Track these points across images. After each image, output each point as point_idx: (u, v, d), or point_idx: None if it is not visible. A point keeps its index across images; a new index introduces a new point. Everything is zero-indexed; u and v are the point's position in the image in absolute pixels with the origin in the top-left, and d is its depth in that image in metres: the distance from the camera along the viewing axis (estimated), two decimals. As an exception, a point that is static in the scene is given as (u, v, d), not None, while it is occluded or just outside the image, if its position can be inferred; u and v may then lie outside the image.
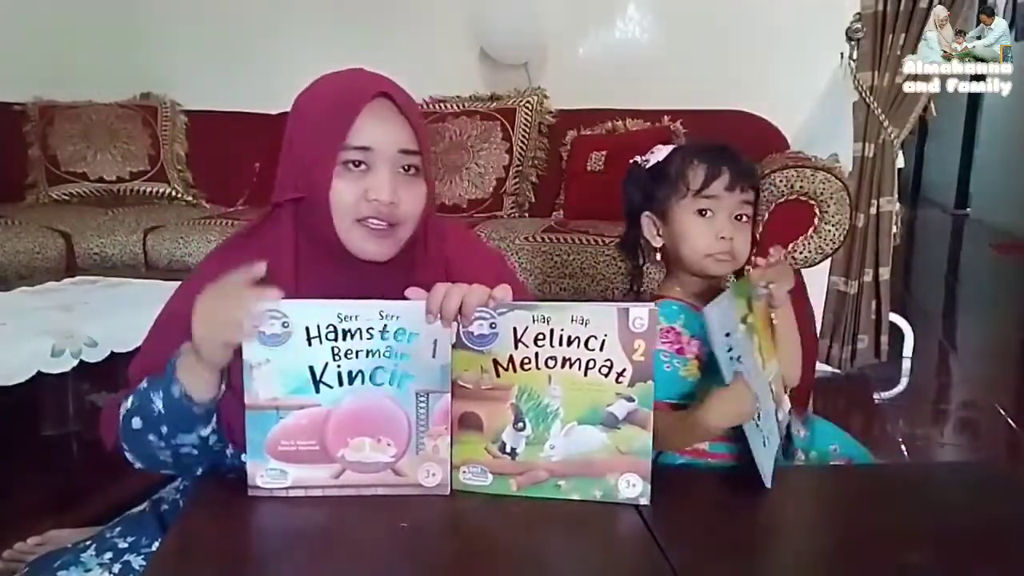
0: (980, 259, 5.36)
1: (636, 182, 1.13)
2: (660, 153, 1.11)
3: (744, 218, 1.08)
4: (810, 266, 2.12)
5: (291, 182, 0.96)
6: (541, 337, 0.85)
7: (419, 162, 0.96)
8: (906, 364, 2.56)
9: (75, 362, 1.49)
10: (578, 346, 0.85)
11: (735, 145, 1.10)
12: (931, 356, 3.03)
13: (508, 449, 0.87)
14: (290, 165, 0.98)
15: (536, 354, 0.85)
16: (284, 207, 0.97)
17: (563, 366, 0.85)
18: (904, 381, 2.50)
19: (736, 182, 1.05)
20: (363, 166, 0.93)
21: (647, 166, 1.12)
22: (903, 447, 2.15)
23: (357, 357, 0.84)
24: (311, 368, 0.84)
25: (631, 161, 1.15)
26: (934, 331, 3.39)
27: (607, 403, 0.85)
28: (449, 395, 0.86)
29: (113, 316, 1.66)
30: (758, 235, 1.15)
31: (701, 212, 1.06)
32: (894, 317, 2.62)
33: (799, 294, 2.19)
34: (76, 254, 2.67)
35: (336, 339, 0.83)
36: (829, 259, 2.22)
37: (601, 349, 0.84)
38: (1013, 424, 2.30)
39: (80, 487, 1.59)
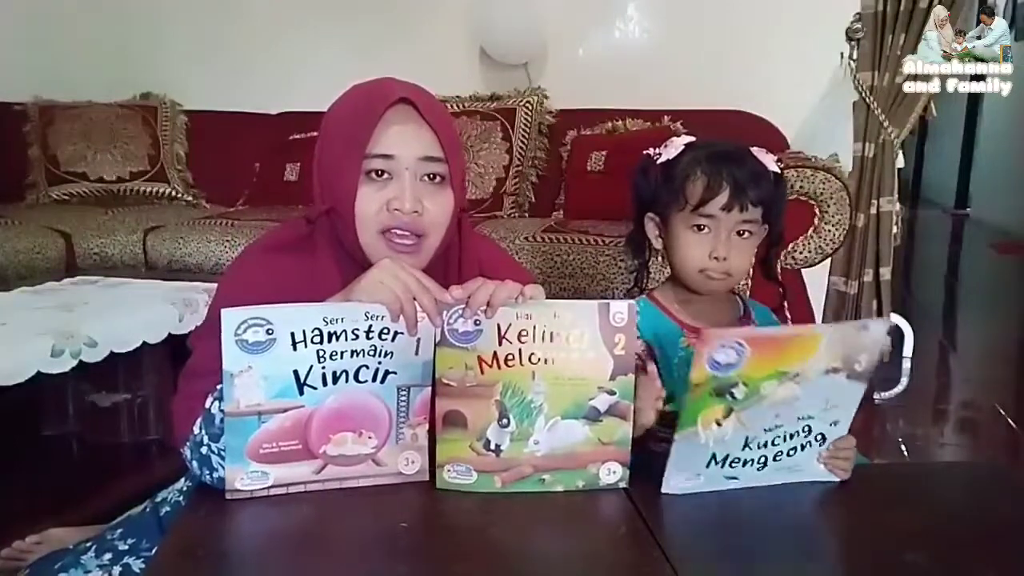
0: (980, 259, 5.35)
1: (644, 178, 1.09)
2: (672, 149, 1.07)
3: (746, 234, 1.03)
4: (810, 266, 2.12)
5: (320, 195, 0.96)
6: (524, 333, 0.85)
7: (444, 170, 0.94)
8: (906, 364, 2.55)
9: (75, 362, 1.49)
10: (561, 342, 0.85)
11: (745, 149, 1.05)
12: (931, 356, 3.03)
13: (493, 446, 0.87)
14: (319, 178, 0.97)
15: (520, 350, 0.86)
16: (322, 221, 0.96)
17: (546, 362, 0.86)
18: (904, 381, 2.50)
19: (735, 201, 0.99)
20: (386, 175, 0.92)
21: (659, 160, 1.07)
22: (903, 447, 2.15)
23: (342, 358, 0.84)
24: (295, 372, 0.83)
25: (644, 152, 1.10)
26: (934, 331, 3.38)
27: (589, 397, 0.87)
28: (430, 388, 0.87)
29: (113, 316, 1.65)
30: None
31: (698, 227, 1.02)
32: (895, 317, 2.61)
33: (799, 294, 2.20)
34: (76, 254, 2.67)
35: (321, 342, 0.83)
36: (829, 259, 2.22)
37: (583, 344, 0.85)
38: (1013, 424, 2.30)
39: (80, 487, 1.59)
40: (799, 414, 0.88)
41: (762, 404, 0.85)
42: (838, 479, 0.93)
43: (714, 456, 0.88)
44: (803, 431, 0.90)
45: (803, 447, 0.91)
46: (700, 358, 0.81)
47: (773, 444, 0.89)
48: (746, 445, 0.88)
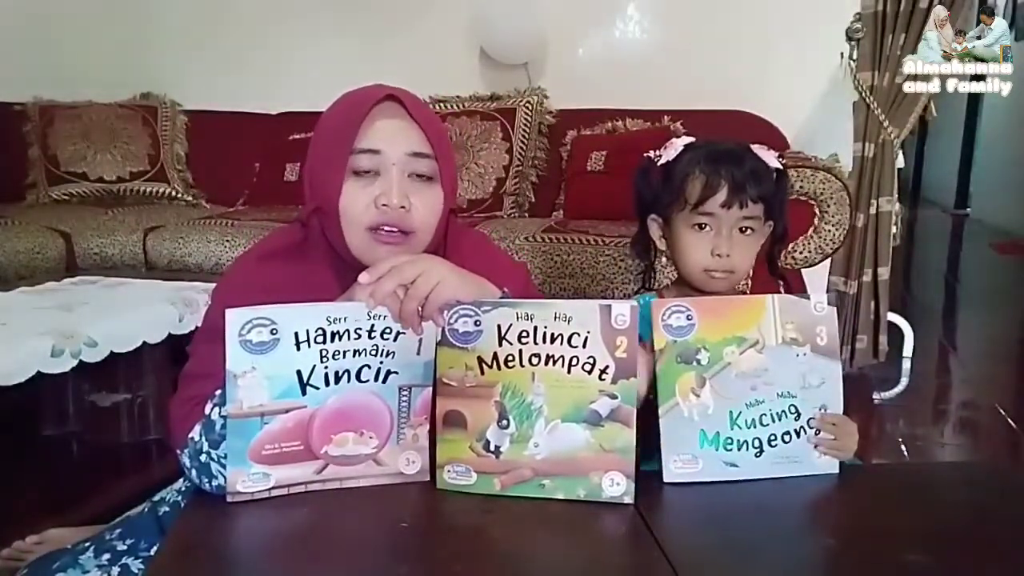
0: (980, 259, 5.35)
1: (645, 180, 1.09)
2: (671, 151, 1.07)
3: (748, 231, 1.04)
4: (810, 266, 2.12)
5: (310, 196, 0.96)
6: (525, 334, 0.85)
7: (433, 167, 0.94)
8: (906, 364, 2.55)
9: (75, 362, 1.49)
10: (561, 343, 0.84)
11: (744, 147, 1.05)
12: (931, 356, 3.03)
13: (492, 447, 0.87)
14: (308, 179, 0.97)
15: (520, 351, 0.85)
16: (314, 225, 0.96)
17: (547, 363, 0.85)
18: (904, 381, 2.50)
19: (734, 198, 1.00)
20: (373, 173, 0.92)
21: (659, 163, 1.08)
22: (903, 447, 2.15)
23: (344, 357, 0.84)
24: (299, 372, 0.82)
25: (644, 155, 1.11)
26: (934, 331, 3.38)
27: (590, 400, 0.85)
28: (431, 387, 0.87)
29: (113, 316, 1.66)
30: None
31: (699, 226, 1.03)
32: (894, 317, 2.62)
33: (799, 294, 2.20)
34: (76, 254, 2.67)
35: (325, 341, 0.82)
36: (829, 259, 2.22)
37: (584, 346, 0.84)
38: (1013, 424, 2.30)
39: (80, 487, 1.59)
40: (777, 389, 0.92)
41: (731, 372, 0.90)
42: (836, 469, 0.93)
43: (704, 434, 0.90)
44: (790, 412, 0.92)
45: (797, 433, 0.92)
46: (656, 324, 0.90)
47: (762, 424, 0.92)
48: (734, 424, 0.91)
